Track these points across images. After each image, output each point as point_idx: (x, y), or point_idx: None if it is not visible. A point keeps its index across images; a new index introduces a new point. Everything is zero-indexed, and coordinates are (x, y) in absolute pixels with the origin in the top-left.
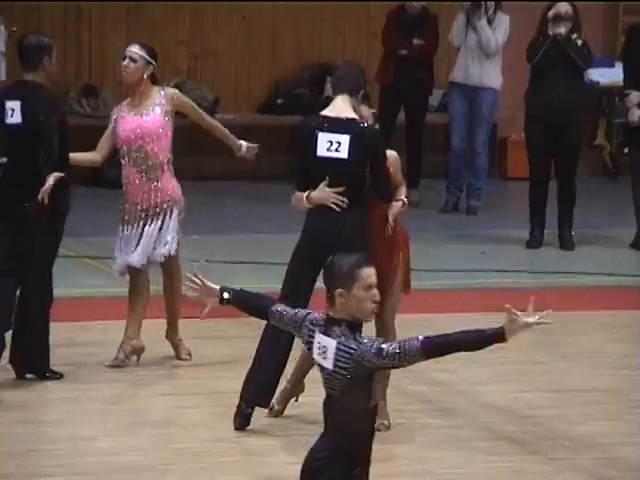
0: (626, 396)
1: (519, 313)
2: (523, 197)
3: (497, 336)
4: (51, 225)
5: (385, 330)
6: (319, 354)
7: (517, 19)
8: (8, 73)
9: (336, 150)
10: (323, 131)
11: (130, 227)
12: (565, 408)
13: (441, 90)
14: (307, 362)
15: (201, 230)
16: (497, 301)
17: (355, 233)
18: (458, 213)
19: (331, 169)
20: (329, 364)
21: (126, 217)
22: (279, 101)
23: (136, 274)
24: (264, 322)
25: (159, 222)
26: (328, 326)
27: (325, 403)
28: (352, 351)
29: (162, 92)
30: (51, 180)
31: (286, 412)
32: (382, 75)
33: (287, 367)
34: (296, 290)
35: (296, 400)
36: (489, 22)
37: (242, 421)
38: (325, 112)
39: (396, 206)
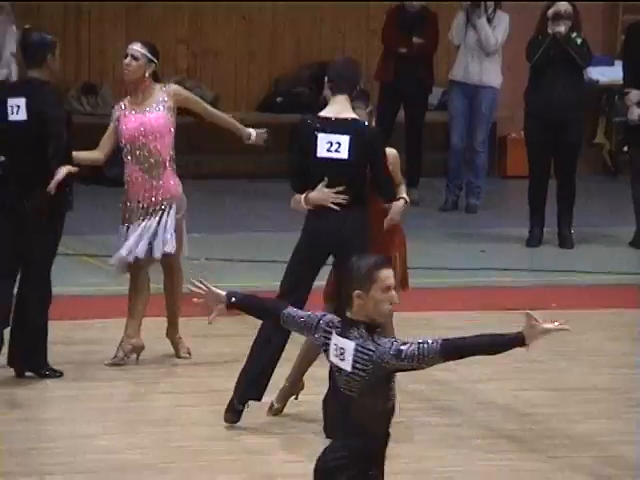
0: (625, 395)
1: (539, 319)
2: (522, 195)
3: (517, 341)
4: (51, 224)
5: (382, 327)
6: (336, 356)
7: (517, 17)
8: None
9: (336, 151)
10: (323, 132)
11: (131, 225)
12: (564, 406)
13: (441, 88)
14: (306, 360)
15: (201, 228)
16: (497, 299)
17: (355, 233)
18: (458, 211)
19: (331, 170)
20: (347, 366)
21: (127, 215)
22: (278, 99)
23: (136, 272)
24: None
25: (157, 218)
26: (345, 328)
27: (342, 404)
28: (371, 353)
29: (164, 89)
30: (63, 172)
31: (285, 410)
32: (382, 73)
33: (286, 366)
34: (295, 289)
35: (296, 398)
36: (489, 20)
37: (232, 416)
38: (324, 113)
39: (397, 205)
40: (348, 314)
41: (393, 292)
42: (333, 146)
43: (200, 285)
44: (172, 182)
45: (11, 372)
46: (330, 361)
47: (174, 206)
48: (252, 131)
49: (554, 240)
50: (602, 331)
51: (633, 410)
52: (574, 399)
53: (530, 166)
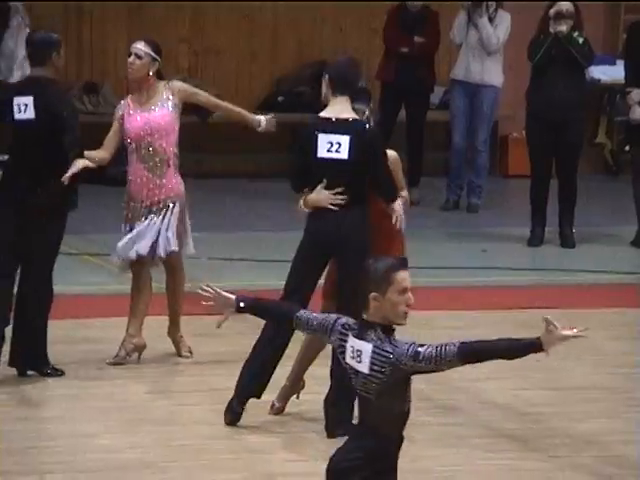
0: (625, 394)
1: (557, 325)
2: (524, 195)
3: (535, 346)
4: (54, 223)
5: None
6: (353, 358)
7: (518, 17)
8: None
9: (336, 151)
10: (323, 132)
11: (134, 225)
12: (565, 406)
13: (442, 88)
14: (306, 359)
15: (201, 228)
16: (498, 299)
17: (355, 233)
18: (459, 211)
19: (331, 170)
20: (365, 368)
21: (130, 215)
22: (280, 99)
23: (139, 271)
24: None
25: (160, 217)
26: (362, 330)
27: (359, 405)
28: (388, 354)
29: (168, 86)
30: (79, 164)
31: (286, 409)
32: (383, 73)
33: (287, 365)
34: (298, 288)
35: (297, 397)
36: (490, 20)
37: (232, 417)
38: (324, 113)
39: (397, 204)
40: (364, 316)
41: (409, 294)
42: (333, 146)
43: (209, 289)
44: (175, 181)
45: (12, 371)
46: (346, 363)
47: (177, 204)
48: (262, 118)
49: (555, 240)
50: (603, 330)
51: (633, 409)
52: (575, 398)
53: (532, 165)
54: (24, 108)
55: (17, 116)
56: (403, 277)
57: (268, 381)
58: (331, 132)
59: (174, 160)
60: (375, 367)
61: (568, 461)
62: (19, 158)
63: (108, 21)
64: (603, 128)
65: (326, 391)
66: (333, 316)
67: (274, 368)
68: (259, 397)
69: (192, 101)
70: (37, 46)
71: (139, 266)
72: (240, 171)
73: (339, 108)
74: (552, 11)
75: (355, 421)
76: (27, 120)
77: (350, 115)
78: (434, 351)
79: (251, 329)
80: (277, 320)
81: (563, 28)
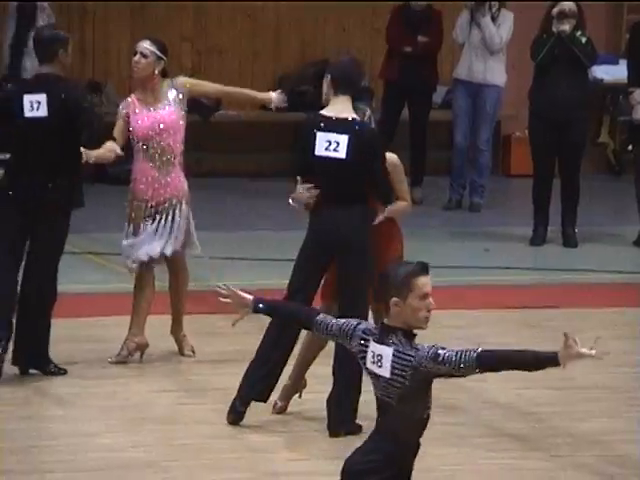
0: (627, 393)
1: (577, 341)
2: (526, 194)
3: (552, 361)
4: (59, 221)
5: (382, 312)
6: (373, 363)
7: (521, 16)
8: None
9: (334, 150)
10: (322, 130)
11: (137, 225)
12: (567, 405)
13: (445, 87)
14: (307, 358)
15: (202, 227)
16: (500, 298)
17: (354, 233)
18: (461, 210)
19: (329, 168)
20: (386, 372)
21: (133, 214)
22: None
23: (142, 270)
24: (267, 319)
25: (170, 216)
26: (383, 334)
27: (379, 410)
28: (409, 358)
29: (172, 83)
30: (108, 146)
31: (289, 409)
32: (386, 72)
33: (289, 364)
34: (302, 288)
35: (299, 396)
36: (493, 19)
37: (235, 417)
38: (325, 111)
39: (400, 205)
40: (385, 320)
41: (430, 299)
42: (332, 145)
43: (226, 289)
44: (180, 179)
45: (14, 369)
46: (367, 369)
47: (184, 203)
48: (272, 94)
49: (558, 239)
50: (604, 330)
51: (635, 409)
52: (576, 398)
53: (534, 165)
54: (37, 106)
55: (29, 114)
56: (424, 282)
57: (275, 384)
58: (330, 131)
59: (179, 158)
60: (396, 371)
61: (570, 460)
62: (24, 156)
63: (111, 21)
64: (606, 128)
65: (328, 390)
66: (353, 321)
67: (281, 371)
68: (266, 401)
69: (199, 93)
70: (44, 43)
71: (146, 266)
72: (241, 170)
73: (340, 107)
74: (555, 10)
75: (358, 421)
76: (38, 118)
77: (350, 115)
78: (454, 355)
79: (256, 329)
80: (296, 323)
81: (566, 27)
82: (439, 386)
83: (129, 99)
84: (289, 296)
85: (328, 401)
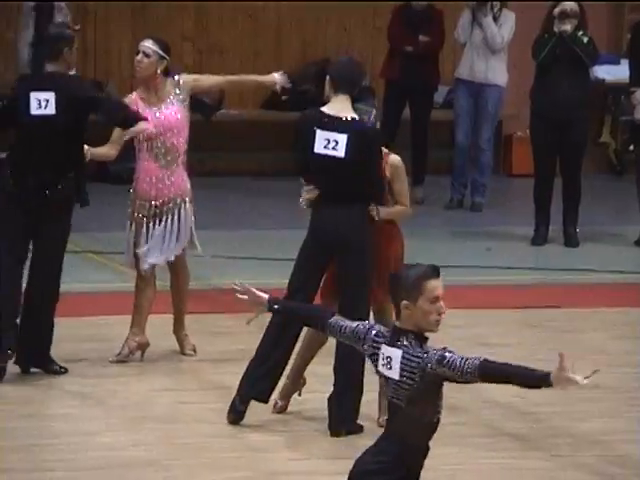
0: (627, 393)
1: (571, 364)
2: (528, 194)
3: (544, 381)
4: (66, 218)
5: (382, 311)
6: (384, 365)
7: (522, 16)
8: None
9: (333, 148)
10: (321, 129)
11: (140, 224)
12: (567, 405)
13: (446, 87)
14: (306, 357)
15: (204, 226)
16: (502, 298)
17: (354, 233)
18: (463, 210)
19: (328, 166)
20: (395, 374)
21: (136, 213)
22: (284, 97)
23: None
24: (268, 318)
25: (175, 217)
26: (394, 337)
27: (389, 412)
28: (418, 360)
29: (174, 82)
30: (141, 126)
31: (289, 408)
32: (387, 71)
33: (288, 362)
34: (302, 287)
35: (299, 395)
36: (495, 19)
37: (235, 416)
38: (325, 109)
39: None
40: (397, 323)
41: (441, 303)
42: (330, 144)
43: (242, 287)
44: (183, 178)
45: (16, 368)
46: (378, 371)
47: (187, 201)
48: (275, 75)
49: (559, 239)
50: (606, 330)
51: (636, 409)
52: (577, 398)
53: (535, 165)
54: (45, 104)
55: (36, 112)
56: (434, 286)
57: (276, 385)
58: (329, 129)
59: (183, 158)
60: (405, 373)
61: (570, 460)
62: (29, 155)
63: (112, 21)
64: (607, 127)
65: (328, 389)
66: (366, 324)
67: (282, 371)
68: (267, 402)
69: (202, 89)
70: (49, 42)
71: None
72: (243, 169)
73: (339, 106)
74: (556, 10)
75: (359, 421)
76: (46, 116)
77: (350, 114)
78: (459, 360)
79: (256, 328)
80: (310, 324)
81: (567, 27)
82: None
83: (132, 96)
84: (289, 295)
85: (329, 400)
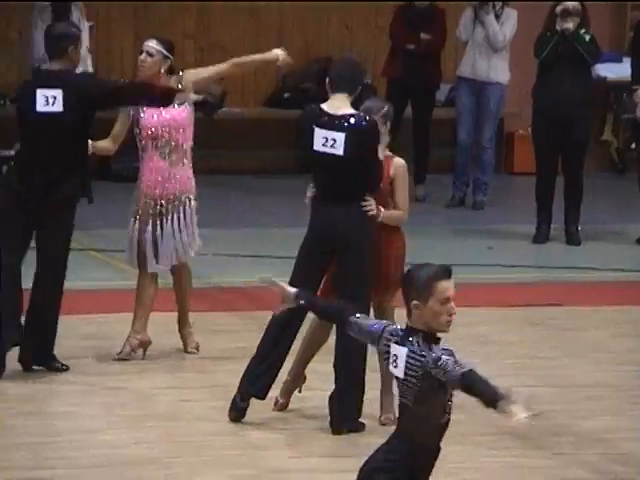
0: (630, 392)
1: (518, 398)
2: (530, 192)
3: (493, 407)
4: (70, 215)
5: (382, 311)
6: (391, 363)
7: (525, 14)
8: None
9: (331, 146)
10: (319, 127)
11: (145, 222)
12: (569, 403)
13: (448, 85)
14: (307, 354)
15: (206, 224)
16: (503, 296)
17: (353, 231)
18: (464, 208)
19: (327, 164)
20: (400, 373)
21: (140, 211)
22: (286, 95)
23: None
24: (268, 318)
25: (182, 215)
26: (405, 336)
27: (399, 410)
28: (422, 359)
29: (178, 79)
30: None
31: (290, 406)
32: (389, 70)
33: (288, 360)
34: (304, 284)
35: (299, 392)
36: (496, 17)
37: (236, 414)
38: (324, 106)
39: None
40: (408, 322)
41: (452, 304)
42: (329, 142)
43: (274, 284)
44: (189, 175)
45: (18, 366)
46: (389, 371)
47: (192, 198)
48: (278, 51)
49: (561, 237)
50: (607, 328)
51: (638, 407)
52: (579, 396)
53: (537, 163)
54: (52, 101)
55: (42, 108)
56: (445, 287)
57: (273, 381)
58: (327, 128)
59: (189, 155)
60: (409, 372)
61: (573, 458)
62: (35, 153)
63: (114, 21)
64: (609, 126)
65: (329, 387)
66: (382, 324)
67: (280, 367)
68: (264, 398)
69: (206, 83)
70: (55, 39)
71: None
72: (245, 168)
73: (337, 104)
74: (558, 8)
75: (362, 419)
76: (53, 113)
77: (348, 111)
78: (450, 365)
79: (257, 326)
80: (331, 320)
81: (570, 25)
82: None
83: None
84: None
85: (330, 398)
